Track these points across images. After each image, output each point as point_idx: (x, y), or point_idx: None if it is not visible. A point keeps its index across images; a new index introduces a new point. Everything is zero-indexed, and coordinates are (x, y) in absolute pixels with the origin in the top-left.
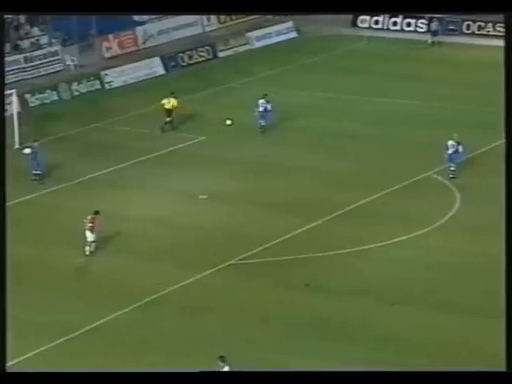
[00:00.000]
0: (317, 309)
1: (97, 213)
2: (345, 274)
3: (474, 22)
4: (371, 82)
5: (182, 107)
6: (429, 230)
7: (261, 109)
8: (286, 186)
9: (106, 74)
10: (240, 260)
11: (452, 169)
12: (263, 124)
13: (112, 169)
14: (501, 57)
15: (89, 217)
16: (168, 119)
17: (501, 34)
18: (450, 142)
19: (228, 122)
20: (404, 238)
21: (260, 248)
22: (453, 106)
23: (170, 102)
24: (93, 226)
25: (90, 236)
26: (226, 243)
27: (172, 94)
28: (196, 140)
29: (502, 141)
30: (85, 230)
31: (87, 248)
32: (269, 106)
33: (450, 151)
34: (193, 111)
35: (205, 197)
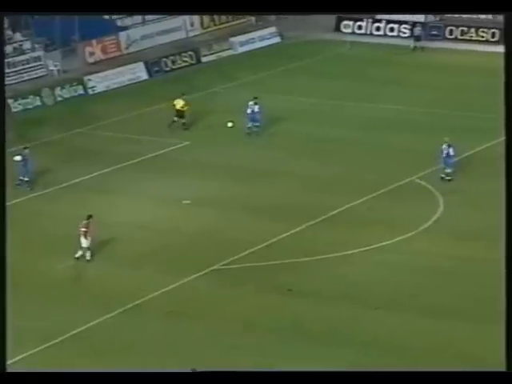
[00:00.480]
0: (300, 314)
1: (90, 217)
2: (329, 278)
3: (457, 27)
4: (354, 86)
5: (190, 106)
6: (413, 235)
7: (249, 111)
8: (271, 191)
9: (89, 79)
10: (224, 265)
11: (447, 171)
12: (249, 126)
13: (96, 174)
14: (483, 61)
15: (83, 222)
16: (183, 121)
17: (483, 39)
18: (444, 146)
19: (229, 124)
20: (388, 242)
21: (245, 252)
22: (436, 111)
23: (179, 103)
24: (86, 231)
25: (83, 242)
26: (211, 248)
27: (183, 95)
28: (180, 145)
29: (485, 145)
30: (80, 235)
31: (79, 252)
32: (256, 108)
33: (444, 154)
34: None
35: (188, 202)
